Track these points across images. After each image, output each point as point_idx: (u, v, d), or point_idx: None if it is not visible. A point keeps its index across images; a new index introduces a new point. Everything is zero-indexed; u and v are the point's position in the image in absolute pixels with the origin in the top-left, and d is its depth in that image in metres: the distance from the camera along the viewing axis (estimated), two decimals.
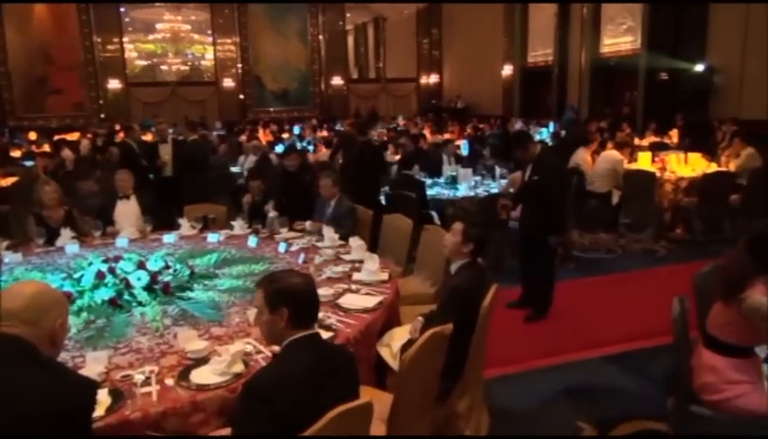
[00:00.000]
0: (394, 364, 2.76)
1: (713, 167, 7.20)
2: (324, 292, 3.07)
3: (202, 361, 2.36)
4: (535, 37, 17.85)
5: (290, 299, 1.95)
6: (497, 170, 7.10)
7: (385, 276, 3.41)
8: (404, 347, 2.72)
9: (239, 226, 4.69)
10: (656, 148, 8.82)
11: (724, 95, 12.00)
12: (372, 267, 3.43)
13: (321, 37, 20.66)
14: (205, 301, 3.09)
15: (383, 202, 6.09)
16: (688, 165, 7.27)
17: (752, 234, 2.56)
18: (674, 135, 10.53)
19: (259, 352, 2.44)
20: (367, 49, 25.60)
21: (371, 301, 3.04)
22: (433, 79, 22.76)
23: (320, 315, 2.73)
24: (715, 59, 12.13)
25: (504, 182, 6.60)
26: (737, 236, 2.86)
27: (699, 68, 12.35)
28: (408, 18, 22.53)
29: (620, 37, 14.75)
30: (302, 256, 3.87)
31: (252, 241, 4.30)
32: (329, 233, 4.24)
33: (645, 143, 9.94)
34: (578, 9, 15.52)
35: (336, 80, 21.02)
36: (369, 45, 25.31)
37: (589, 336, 4.42)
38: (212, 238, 4.43)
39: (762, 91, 11.06)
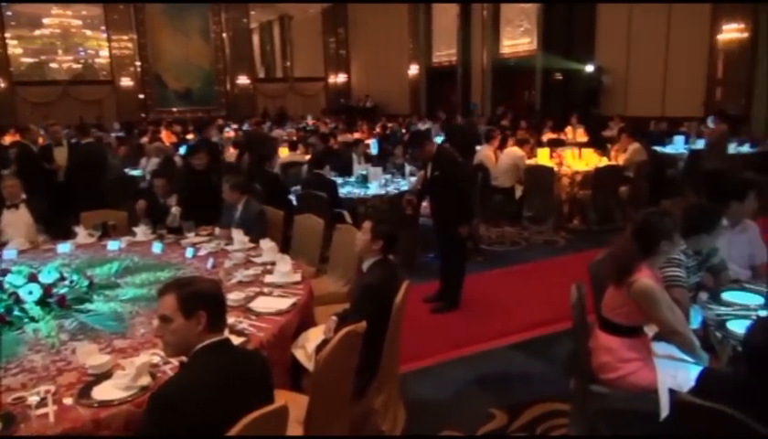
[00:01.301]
0: (309, 365, 2.75)
1: (604, 162, 7.70)
2: (235, 296, 3.01)
3: (104, 376, 2.23)
4: (439, 38, 18.32)
5: (207, 302, 1.91)
6: (407, 168, 7.23)
7: (298, 277, 3.38)
8: (319, 348, 2.72)
9: (141, 232, 4.48)
10: (553, 144, 9.31)
11: (612, 94, 12.92)
12: (284, 269, 3.39)
13: (224, 35, 20.09)
14: (106, 313, 2.93)
15: (294, 202, 6.03)
16: (582, 160, 7.74)
17: (636, 222, 2.78)
18: (569, 132, 11.16)
19: (167, 363, 2.34)
20: (273, 48, 25.14)
21: (284, 303, 3.00)
22: (341, 78, 22.78)
23: (232, 320, 2.69)
24: (603, 60, 13.03)
25: (413, 180, 6.72)
26: (626, 225, 3.09)
27: (590, 68, 13.21)
28: (314, 17, 22.40)
29: (518, 39, 15.48)
30: (210, 261, 3.76)
31: (157, 248, 4.12)
32: (239, 236, 4.14)
33: (543, 139, 10.46)
34: (478, 11, 16.10)
35: (242, 80, 20.54)
36: (276, 44, 24.87)
37: (497, 325, 4.60)
38: (112, 245, 4.20)
39: (644, 89, 12.00)
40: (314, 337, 2.97)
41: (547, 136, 10.93)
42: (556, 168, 7.50)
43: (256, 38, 24.34)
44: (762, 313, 2.69)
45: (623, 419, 2.70)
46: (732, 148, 8.89)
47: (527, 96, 15.45)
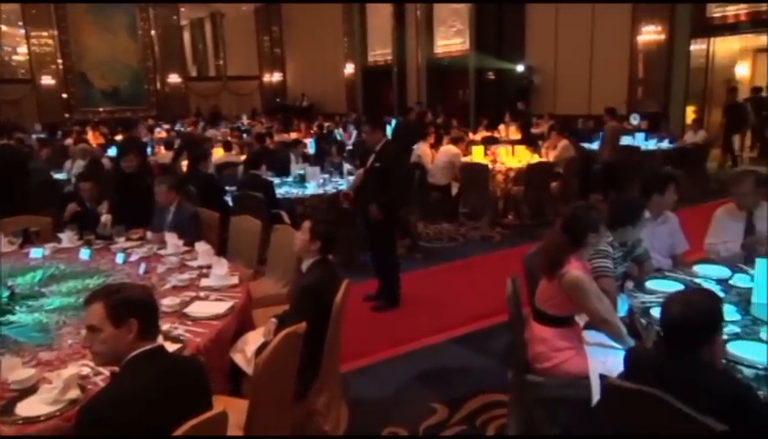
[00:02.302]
0: (249, 369, 2.70)
1: (536, 158, 7.96)
2: (169, 301, 2.93)
3: (29, 391, 2.12)
4: (374, 38, 18.41)
5: (138, 309, 1.84)
6: (345, 167, 7.22)
7: (235, 280, 3.32)
8: (259, 351, 2.68)
9: (67, 238, 4.26)
10: (487, 142, 9.53)
11: (542, 93, 13.36)
12: (221, 272, 3.33)
13: (153, 32, 19.46)
14: (30, 324, 2.78)
15: (230, 204, 5.91)
16: (515, 157, 7.97)
17: (565, 216, 2.89)
18: (502, 130, 11.47)
19: (97, 374, 2.25)
20: (205, 46, 24.55)
21: (221, 307, 2.94)
22: (277, 77, 22.53)
23: (166, 326, 2.62)
24: (533, 60, 13.46)
25: (352, 179, 6.72)
26: (557, 219, 3.21)
27: (520, 68, 13.62)
28: (246, 15, 22.02)
29: (451, 39, 15.77)
30: (142, 266, 3.62)
31: (85, 254, 3.93)
32: (172, 240, 4.02)
33: (478, 137, 10.70)
34: (412, 11, 16.29)
35: (173, 78, 19.95)
36: (208, 41, 24.30)
37: (437, 321, 4.67)
38: (35, 253, 3.98)
39: (571, 88, 12.49)
40: (253, 340, 2.93)
41: (481, 134, 11.18)
42: (490, 165, 7.68)
43: (187, 36, 23.74)
44: None
45: (557, 406, 2.80)
46: (653, 144, 9.40)
47: (461, 95, 15.76)
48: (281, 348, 2.28)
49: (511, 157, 7.97)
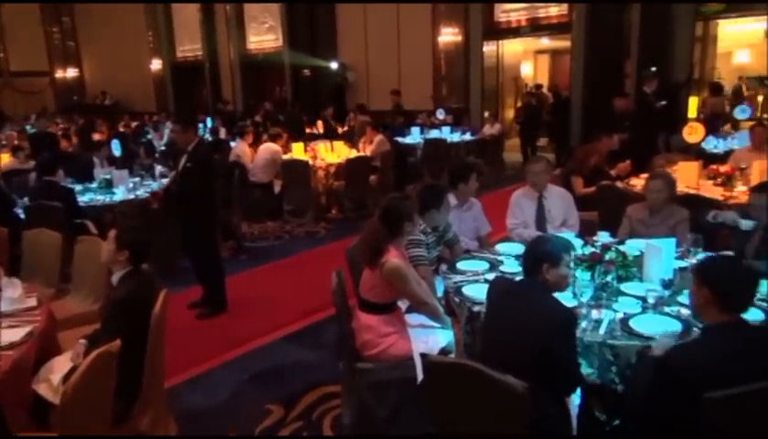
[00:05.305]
0: (56, 399, 2.43)
1: (354, 153, 8.21)
2: None
3: None
4: (181, 32, 17.52)
5: None
6: (157, 169, 6.78)
7: (33, 302, 2.99)
8: (66, 377, 2.43)
9: None
10: (307, 138, 9.59)
11: (356, 89, 13.82)
12: (14, 294, 2.97)
13: None
14: None
15: (21, 216, 5.22)
16: (334, 153, 8.15)
17: (381, 207, 3.04)
18: (320, 126, 11.63)
19: None
20: None
21: (17, 334, 2.62)
22: (71, 73, 20.34)
23: None
24: (345, 58, 13.85)
25: (166, 181, 6.33)
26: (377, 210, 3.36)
27: (334, 65, 13.92)
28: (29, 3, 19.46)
29: (264, 35, 15.60)
30: None
31: None
32: None
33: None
34: (221, 6, 15.78)
35: None
36: None
37: (268, 321, 4.62)
38: None
39: (383, 85, 13.07)
40: (59, 366, 2.65)
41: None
42: (311, 162, 7.76)
43: None
44: (489, 276, 3.15)
45: (387, 388, 2.94)
46: (457, 136, 10.22)
47: (278, 92, 15.67)
48: (92, 371, 2.10)
49: (330, 153, 8.13)
